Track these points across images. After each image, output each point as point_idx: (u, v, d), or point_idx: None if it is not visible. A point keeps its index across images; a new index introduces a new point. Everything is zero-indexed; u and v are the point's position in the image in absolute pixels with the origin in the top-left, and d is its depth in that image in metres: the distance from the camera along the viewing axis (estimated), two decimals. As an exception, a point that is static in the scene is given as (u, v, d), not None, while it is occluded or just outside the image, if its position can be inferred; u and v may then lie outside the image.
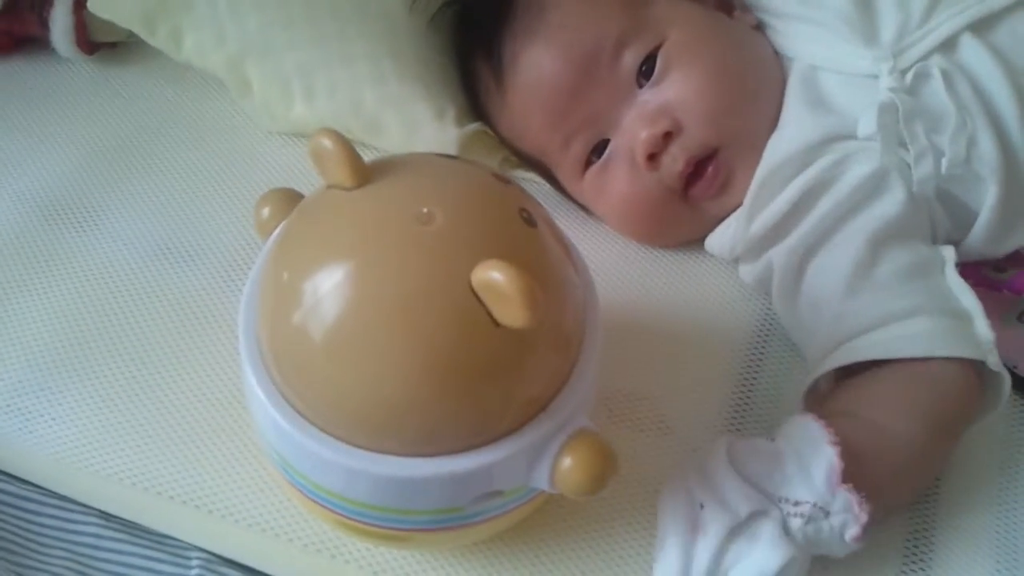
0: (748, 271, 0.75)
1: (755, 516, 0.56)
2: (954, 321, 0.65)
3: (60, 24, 0.88)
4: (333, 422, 0.51)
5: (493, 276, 0.46)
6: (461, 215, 0.50)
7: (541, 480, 0.53)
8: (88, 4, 0.87)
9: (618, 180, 0.76)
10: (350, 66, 0.82)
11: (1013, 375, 0.69)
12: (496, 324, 0.48)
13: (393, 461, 0.50)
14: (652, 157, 0.73)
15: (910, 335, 0.64)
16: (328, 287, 0.49)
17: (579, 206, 0.81)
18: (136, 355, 0.70)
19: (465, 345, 0.48)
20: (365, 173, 0.51)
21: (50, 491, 0.66)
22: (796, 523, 0.56)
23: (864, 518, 0.56)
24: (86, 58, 0.91)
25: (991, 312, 0.70)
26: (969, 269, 0.73)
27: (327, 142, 0.50)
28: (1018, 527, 0.64)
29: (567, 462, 0.52)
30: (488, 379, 0.49)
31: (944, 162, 0.69)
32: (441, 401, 0.49)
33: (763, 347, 0.73)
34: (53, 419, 0.67)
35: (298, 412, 0.52)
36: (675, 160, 0.73)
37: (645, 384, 0.70)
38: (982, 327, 0.65)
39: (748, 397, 0.70)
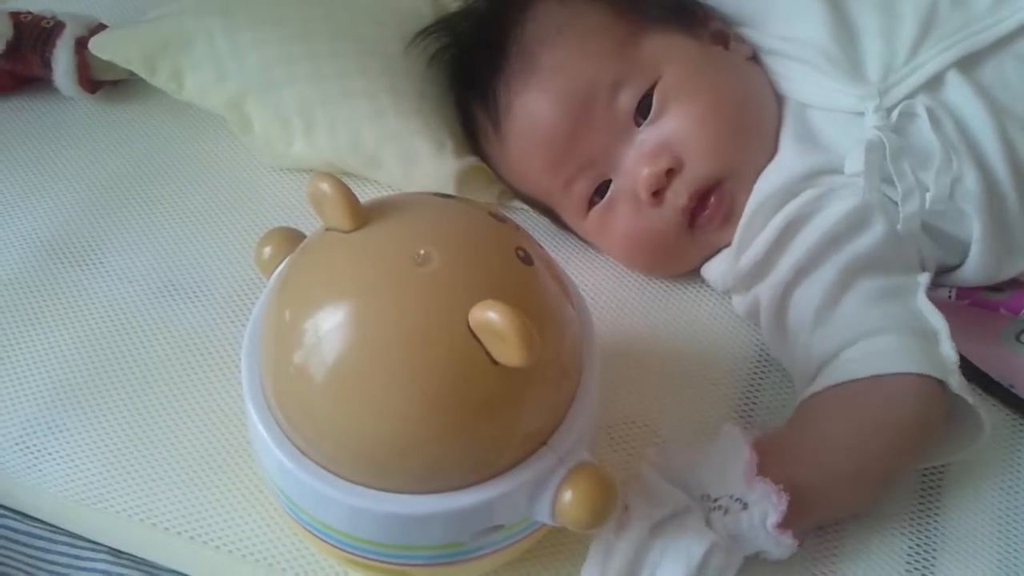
0: (739, 302, 0.75)
1: (678, 513, 0.57)
2: (918, 340, 0.65)
3: (62, 64, 0.89)
4: (335, 460, 0.52)
5: (490, 316, 0.47)
6: (458, 256, 0.51)
7: (542, 514, 0.53)
8: (89, 45, 0.88)
9: (622, 218, 0.76)
10: (349, 103, 0.82)
11: (1011, 395, 0.70)
12: (494, 363, 0.48)
13: (394, 498, 0.51)
14: (656, 194, 0.73)
15: (874, 353, 0.64)
16: (328, 328, 0.50)
17: (578, 237, 0.81)
18: (142, 392, 0.71)
19: (464, 384, 0.49)
20: (363, 215, 0.52)
21: (60, 528, 0.67)
22: (716, 516, 0.58)
23: (783, 506, 0.57)
24: (88, 97, 0.92)
25: (987, 331, 0.71)
26: (966, 290, 0.75)
27: (325, 186, 0.51)
28: (1019, 548, 0.64)
29: (568, 496, 0.52)
30: (487, 417, 0.50)
31: (928, 197, 0.69)
32: (441, 439, 0.50)
33: (762, 373, 0.73)
34: (61, 457, 0.68)
35: (300, 450, 0.53)
36: (678, 195, 0.73)
37: (646, 410, 0.70)
38: (947, 348, 0.65)
39: (748, 422, 0.70)
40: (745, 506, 0.58)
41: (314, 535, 0.56)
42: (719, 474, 0.59)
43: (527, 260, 0.53)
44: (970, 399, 0.63)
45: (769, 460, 0.59)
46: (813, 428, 0.64)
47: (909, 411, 0.63)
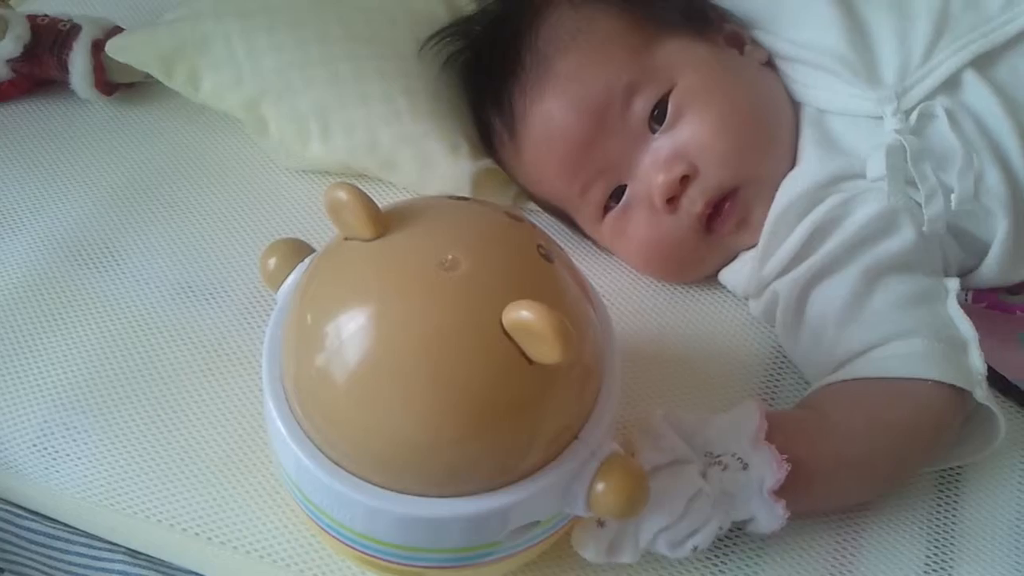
0: (756, 305, 0.75)
1: (678, 461, 0.58)
2: (948, 348, 0.65)
3: (79, 66, 0.89)
4: (368, 466, 0.52)
5: (525, 316, 0.47)
6: (484, 258, 0.51)
7: (577, 506, 0.54)
8: (106, 47, 0.88)
9: (638, 224, 0.76)
10: (365, 105, 0.82)
11: (1024, 395, 0.71)
12: (529, 362, 0.48)
13: (440, 503, 0.51)
14: (671, 201, 0.73)
15: (903, 355, 0.64)
16: (358, 332, 0.50)
17: (594, 242, 0.81)
18: (159, 393, 0.71)
19: (501, 385, 0.49)
20: (383, 223, 0.52)
21: (78, 529, 0.67)
22: (714, 471, 0.58)
23: (782, 473, 0.57)
24: (105, 99, 0.92)
25: (1005, 334, 0.70)
26: (983, 293, 0.75)
27: (343, 195, 0.50)
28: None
29: (601, 487, 0.53)
30: (524, 416, 0.50)
31: (954, 198, 0.69)
32: (479, 442, 0.50)
33: (778, 374, 0.73)
34: (79, 458, 0.68)
35: (325, 454, 0.52)
36: (693, 202, 0.73)
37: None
38: (975, 358, 0.64)
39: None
40: (745, 466, 0.58)
41: (334, 537, 0.56)
42: (726, 434, 0.60)
43: (548, 257, 0.53)
44: (995, 408, 0.63)
45: (778, 433, 0.60)
46: (827, 413, 0.64)
47: (929, 415, 0.63)
